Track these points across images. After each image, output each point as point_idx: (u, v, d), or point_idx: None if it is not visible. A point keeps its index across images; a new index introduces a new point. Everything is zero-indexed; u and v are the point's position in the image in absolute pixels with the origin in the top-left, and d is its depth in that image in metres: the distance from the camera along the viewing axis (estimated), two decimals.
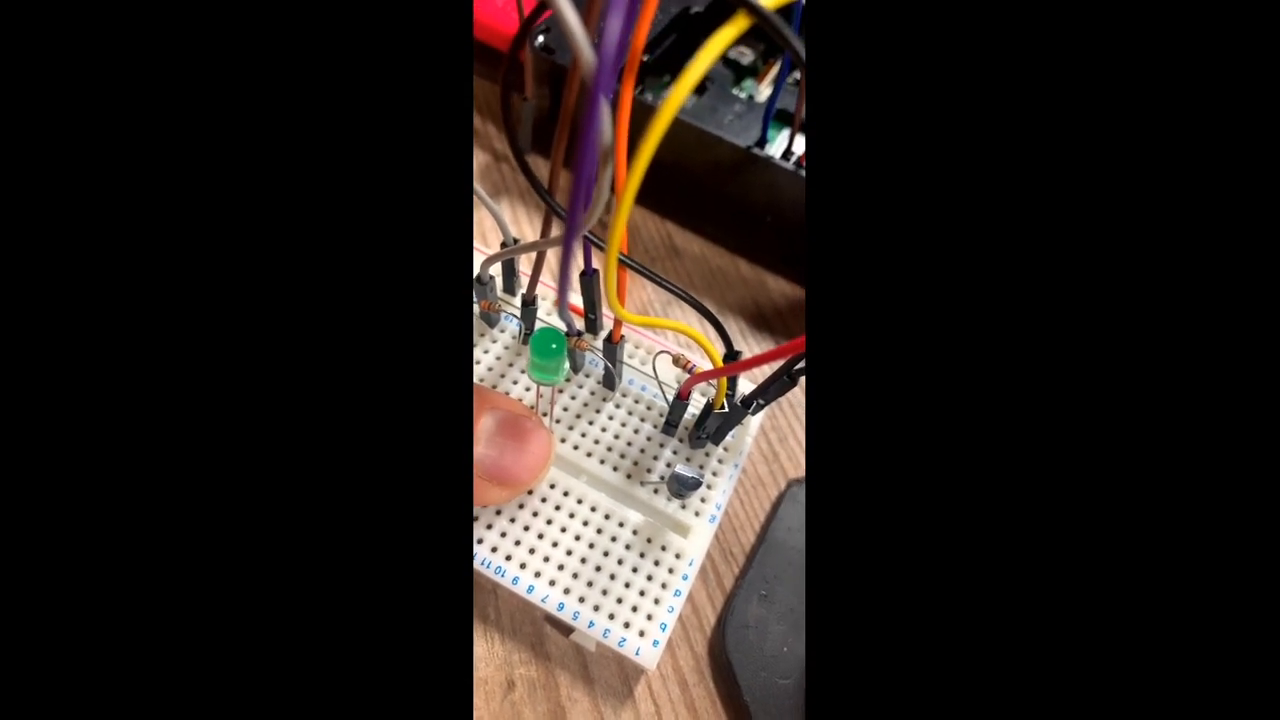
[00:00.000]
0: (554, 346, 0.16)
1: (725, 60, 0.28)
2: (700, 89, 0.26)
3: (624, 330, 0.19)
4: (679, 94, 0.09)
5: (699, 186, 0.26)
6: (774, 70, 0.27)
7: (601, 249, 0.13)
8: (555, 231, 0.16)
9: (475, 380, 0.20)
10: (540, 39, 0.24)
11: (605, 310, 0.20)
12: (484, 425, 0.17)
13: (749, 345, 0.25)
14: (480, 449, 0.17)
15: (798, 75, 0.23)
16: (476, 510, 0.18)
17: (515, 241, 0.19)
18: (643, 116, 0.10)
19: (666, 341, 0.21)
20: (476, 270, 0.19)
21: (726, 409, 0.18)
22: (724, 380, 0.17)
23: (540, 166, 0.29)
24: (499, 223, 0.18)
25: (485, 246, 0.23)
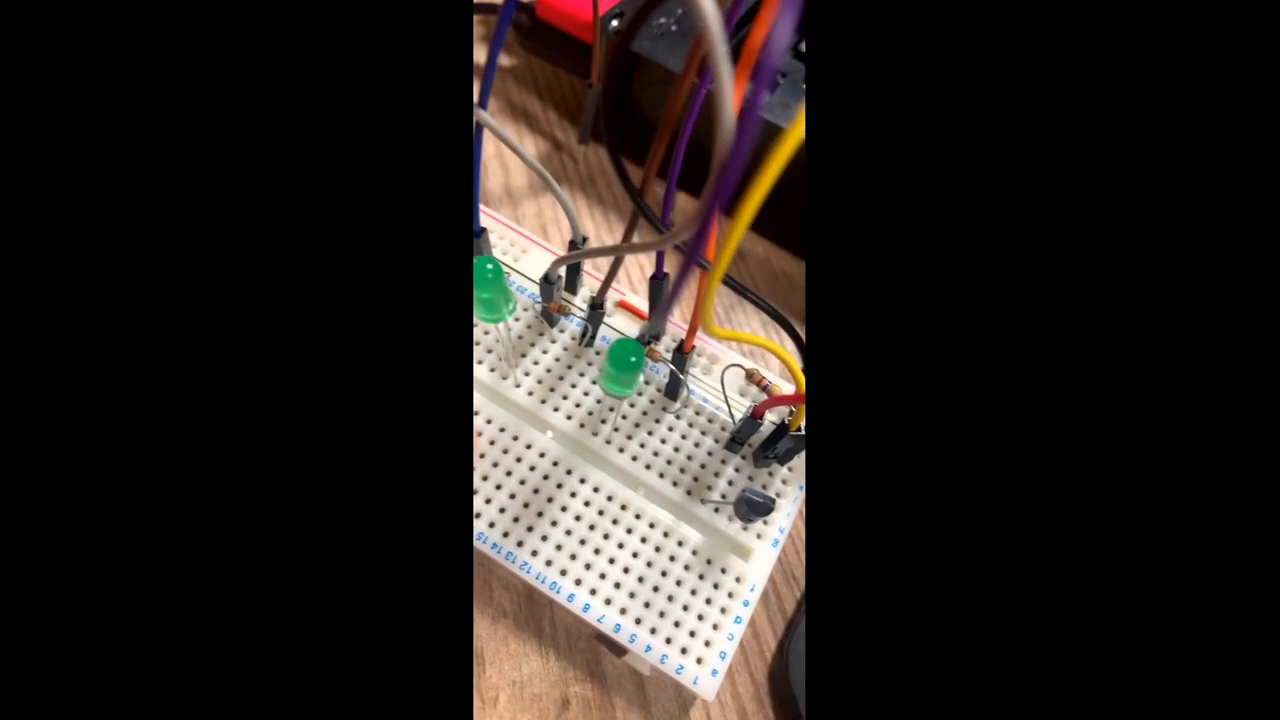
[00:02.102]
0: (633, 360, 0.15)
1: (797, 53, 0.26)
2: (772, 85, 0.25)
3: (695, 341, 0.18)
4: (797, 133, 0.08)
5: None
6: None
7: (704, 269, 0.12)
8: (637, 237, 0.15)
9: (524, 390, 0.19)
10: (614, 23, 0.23)
11: (672, 317, 0.19)
12: None
13: None
14: None
15: None
16: (530, 522, 0.17)
17: (584, 240, 0.18)
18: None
19: (732, 353, 0.20)
20: (546, 269, 0.18)
21: (804, 432, 0.17)
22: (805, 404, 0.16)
23: (602, 157, 0.28)
24: (570, 219, 0.17)
25: (546, 241, 0.22)
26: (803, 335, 0.16)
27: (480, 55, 0.29)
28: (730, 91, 0.08)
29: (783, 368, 0.16)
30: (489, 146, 0.26)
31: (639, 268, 0.25)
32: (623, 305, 0.21)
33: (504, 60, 0.29)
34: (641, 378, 0.18)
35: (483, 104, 0.14)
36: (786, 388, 0.19)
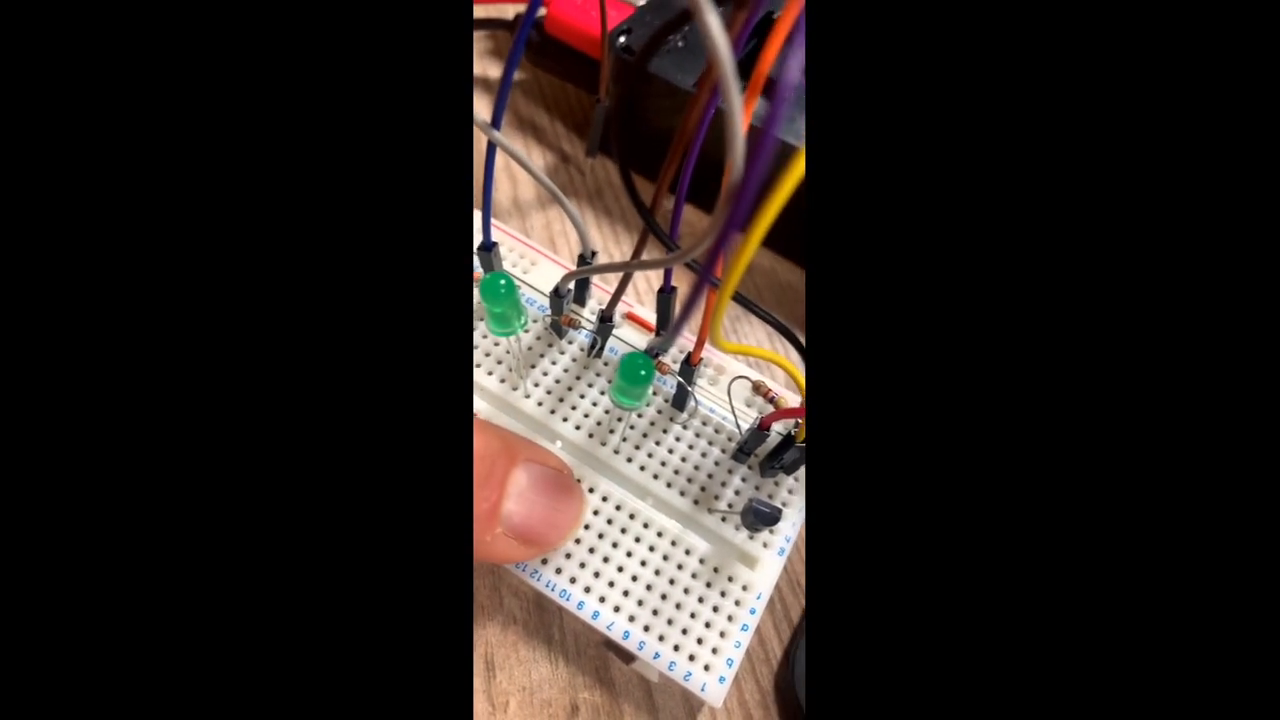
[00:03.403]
0: (643, 373, 0.15)
1: None
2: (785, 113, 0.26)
3: (702, 353, 0.18)
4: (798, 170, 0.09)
5: None
6: None
7: (714, 286, 0.12)
8: (647, 253, 0.15)
9: (534, 400, 0.20)
10: (622, 39, 0.24)
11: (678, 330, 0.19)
12: (516, 479, 0.16)
13: None
14: (510, 504, 0.15)
15: None
16: None
17: (594, 255, 0.18)
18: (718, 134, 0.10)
19: (740, 365, 0.20)
20: (557, 284, 0.18)
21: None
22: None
23: (609, 169, 0.28)
24: (580, 233, 0.17)
25: (554, 253, 0.22)
26: (804, 345, 0.16)
27: (485, 69, 0.29)
28: (740, 120, 0.08)
29: (789, 379, 0.16)
30: (498, 159, 0.27)
31: (646, 280, 0.25)
32: (630, 317, 0.21)
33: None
34: (651, 390, 0.18)
35: (496, 124, 0.14)
36: (793, 399, 0.19)
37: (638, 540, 0.18)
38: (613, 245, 0.26)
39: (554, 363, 0.20)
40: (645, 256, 0.15)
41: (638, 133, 0.26)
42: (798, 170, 0.09)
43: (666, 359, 0.20)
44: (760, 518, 0.17)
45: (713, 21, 0.08)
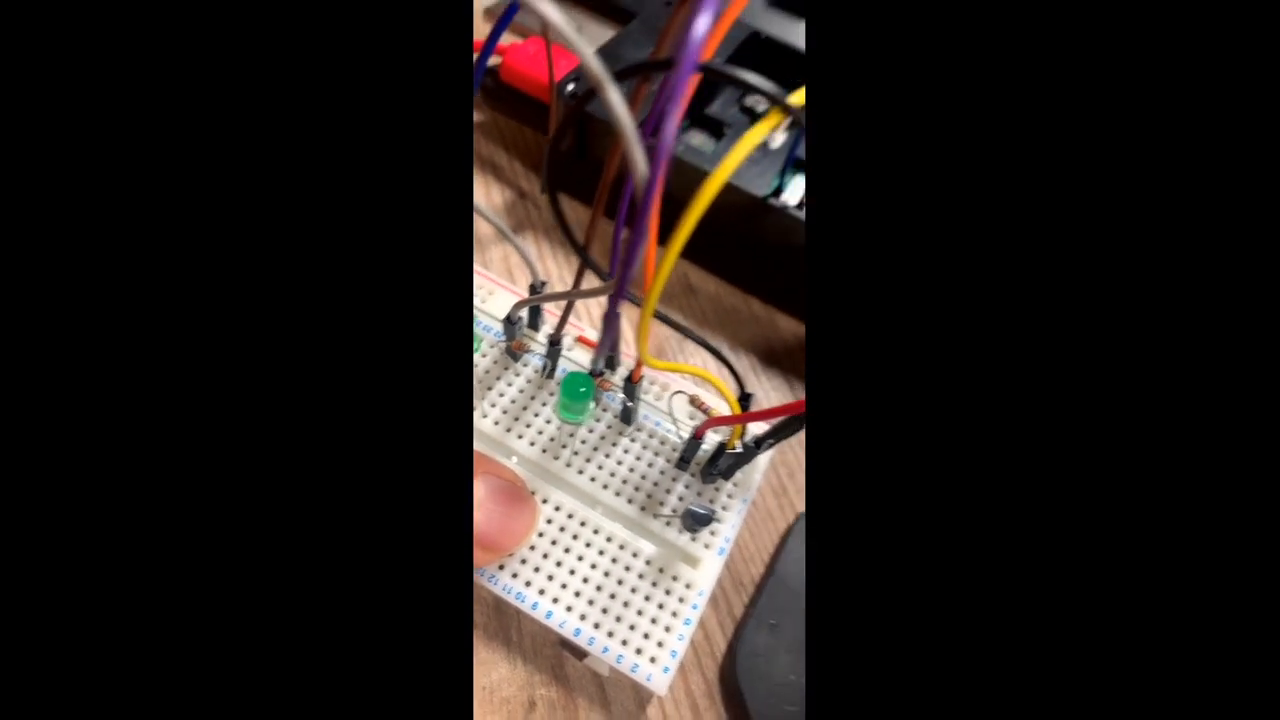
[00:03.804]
0: (583, 390, 0.17)
1: (741, 107, 0.29)
2: (718, 135, 0.28)
3: (643, 370, 0.20)
4: (713, 186, 0.11)
5: (715, 229, 0.27)
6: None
7: (637, 304, 0.14)
8: (588, 282, 0.17)
9: (490, 420, 0.21)
10: (570, 87, 0.26)
11: (624, 349, 0.21)
12: (475, 490, 0.17)
13: (759, 381, 0.26)
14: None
15: None
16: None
17: (543, 284, 0.20)
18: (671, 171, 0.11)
19: (683, 380, 0.22)
20: (508, 311, 0.20)
21: (740, 449, 0.19)
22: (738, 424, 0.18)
23: (563, 204, 0.30)
24: (528, 264, 0.19)
25: (512, 284, 0.24)
26: (730, 362, 0.18)
27: None
28: (641, 169, 0.10)
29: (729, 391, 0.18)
30: None
31: (599, 306, 0.27)
32: (581, 340, 0.23)
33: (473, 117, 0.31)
34: (592, 406, 0.19)
35: None
36: (725, 410, 0.21)
37: (588, 545, 0.20)
38: (568, 273, 0.27)
39: (510, 384, 0.22)
40: (585, 286, 0.17)
41: (591, 170, 0.28)
42: (707, 194, 0.11)
43: (615, 377, 0.21)
44: (697, 519, 0.19)
45: (614, 96, 0.10)
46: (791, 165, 0.24)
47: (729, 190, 0.25)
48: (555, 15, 0.09)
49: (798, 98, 0.11)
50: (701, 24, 0.09)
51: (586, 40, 0.10)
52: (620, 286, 0.10)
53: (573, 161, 0.28)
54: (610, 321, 0.11)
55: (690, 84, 0.12)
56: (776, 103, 0.11)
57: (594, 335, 0.23)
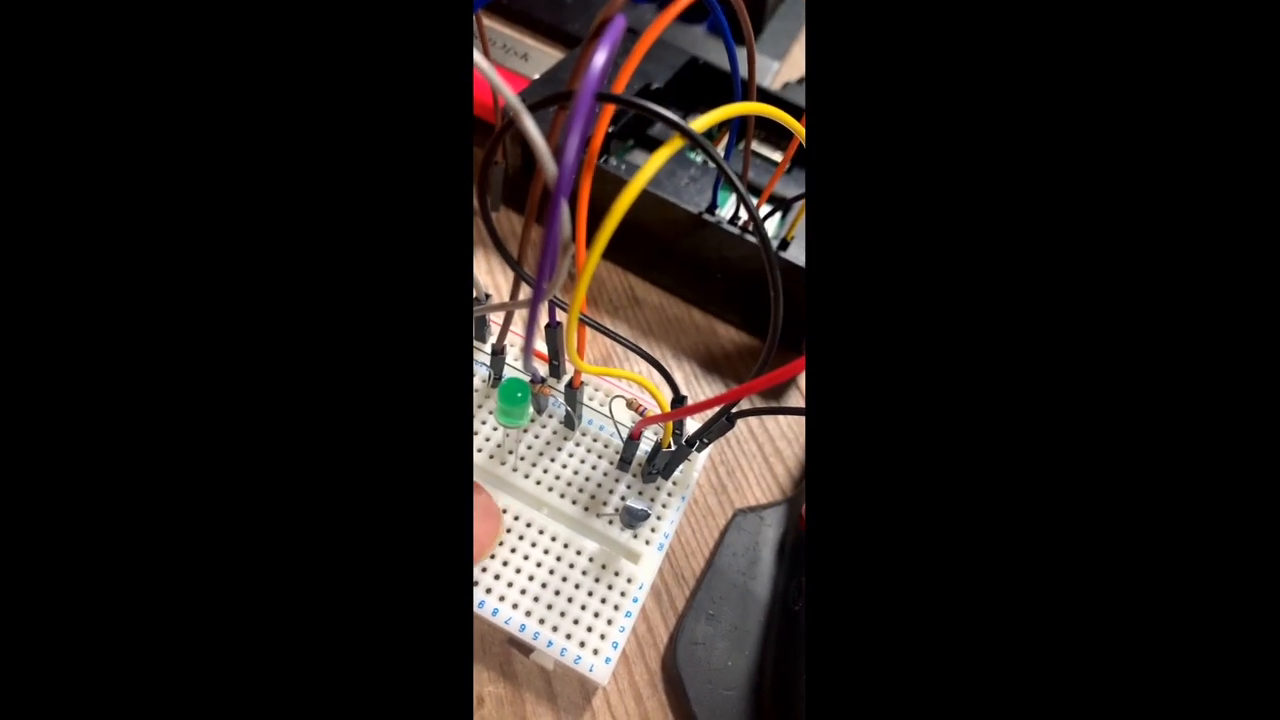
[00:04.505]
0: (519, 395, 0.18)
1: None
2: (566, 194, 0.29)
3: (583, 377, 0.21)
4: (624, 201, 0.12)
5: (657, 243, 0.28)
6: (724, 140, 0.30)
7: (565, 309, 0.15)
8: (523, 294, 0.18)
9: None
10: None
11: (567, 358, 0.22)
12: None
13: (700, 387, 0.27)
14: None
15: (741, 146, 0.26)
16: None
17: (487, 297, 0.21)
18: (606, 185, 0.12)
19: (623, 386, 0.23)
20: None
21: (674, 448, 0.20)
22: (670, 423, 0.19)
23: (513, 221, 0.31)
24: (470, 279, 0.20)
25: None
26: (665, 367, 0.19)
27: None
28: (551, 168, 0.11)
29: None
30: None
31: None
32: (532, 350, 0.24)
33: None
34: (530, 410, 0.20)
35: None
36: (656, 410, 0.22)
37: (534, 545, 0.20)
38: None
39: None
40: (522, 297, 0.18)
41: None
42: (623, 202, 0.12)
43: (559, 384, 0.22)
44: (634, 515, 0.20)
45: (528, 123, 0.11)
46: (722, 183, 0.26)
47: (669, 207, 0.26)
48: (484, 65, 0.11)
49: (701, 122, 0.13)
50: (598, 60, 0.10)
51: (535, 65, 0.11)
52: (538, 290, 0.12)
53: (523, 181, 0.29)
54: (532, 324, 0.12)
55: (602, 110, 0.14)
56: (677, 128, 0.12)
57: (540, 344, 0.24)
